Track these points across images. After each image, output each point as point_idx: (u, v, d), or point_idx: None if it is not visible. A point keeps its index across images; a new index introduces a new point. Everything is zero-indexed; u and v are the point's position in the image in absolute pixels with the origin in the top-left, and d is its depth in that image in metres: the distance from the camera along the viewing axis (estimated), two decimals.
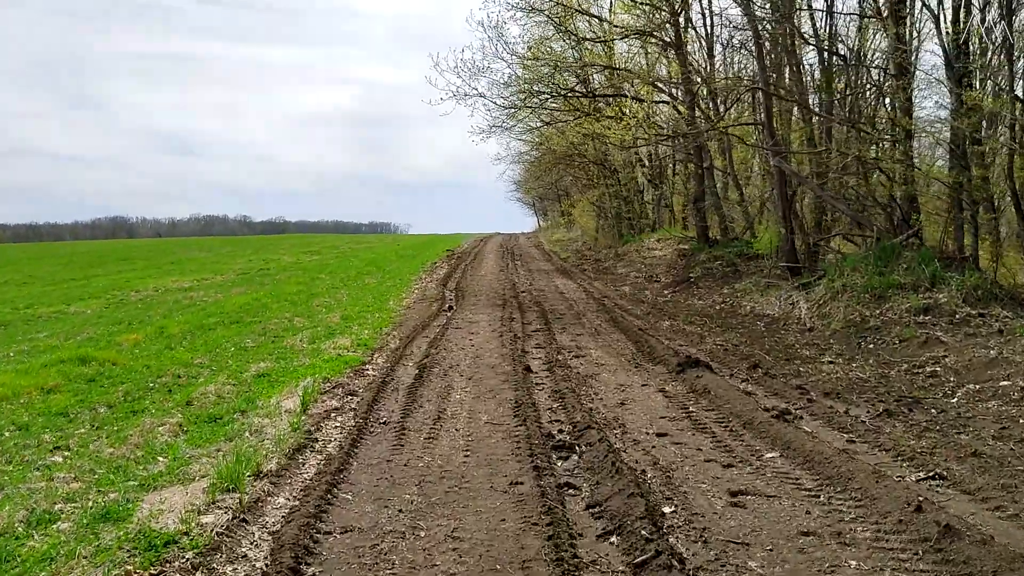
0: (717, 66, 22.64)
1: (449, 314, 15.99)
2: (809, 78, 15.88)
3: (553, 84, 21.21)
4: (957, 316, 10.83)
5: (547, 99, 23.33)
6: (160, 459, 6.07)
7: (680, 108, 21.82)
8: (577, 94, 22.00)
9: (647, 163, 31.98)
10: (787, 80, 16.10)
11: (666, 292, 19.55)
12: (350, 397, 8.15)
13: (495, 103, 22.26)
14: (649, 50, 24.57)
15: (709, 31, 22.67)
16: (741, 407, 7.60)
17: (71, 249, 57.86)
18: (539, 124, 26.65)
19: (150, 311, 17.51)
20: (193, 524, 4.75)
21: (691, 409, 7.80)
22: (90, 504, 5.15)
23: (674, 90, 21.80)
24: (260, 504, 5.21)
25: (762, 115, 16.56)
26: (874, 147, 14.39)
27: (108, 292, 23.05)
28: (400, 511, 5.15)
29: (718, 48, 22.56)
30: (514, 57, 21.41)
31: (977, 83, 13.09)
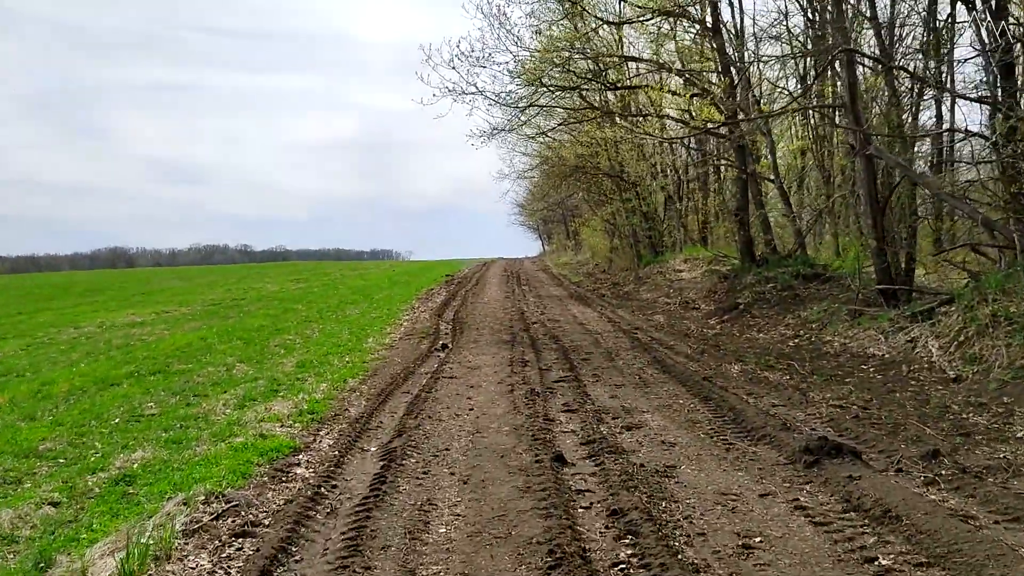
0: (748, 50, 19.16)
1: (442, 355, 12.31)
2: (917, 38, 12.25)
3: (567, 73, 17.67)
4: None
5: (557, 95, 19.80)
6: None
7: (718, 104, 18.26)
8: (597, 86, 18.42)
9: (667, 174, 28.44)
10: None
11: (712, 322, 15.84)
12: (239, 542, 4.41)
13: (498, 101, 18.72)
14: (665, 42, 21.10)
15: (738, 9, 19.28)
16: (988, 561, 3.89)
17: (44, 281, 54.26)
18: (549, 126, 23.03)
19: (66, 355, 13.88)
20: None
21: (885, 562, 4.08)
22: None
23: (713, 78, 18.26)
24: None
25: (840, 93, 12.95)
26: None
27: (43, 330, 19.41)
28: None
29: (749, 26, 19.17)
30: (519, 48, 17.92)
31: None
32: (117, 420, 7.73)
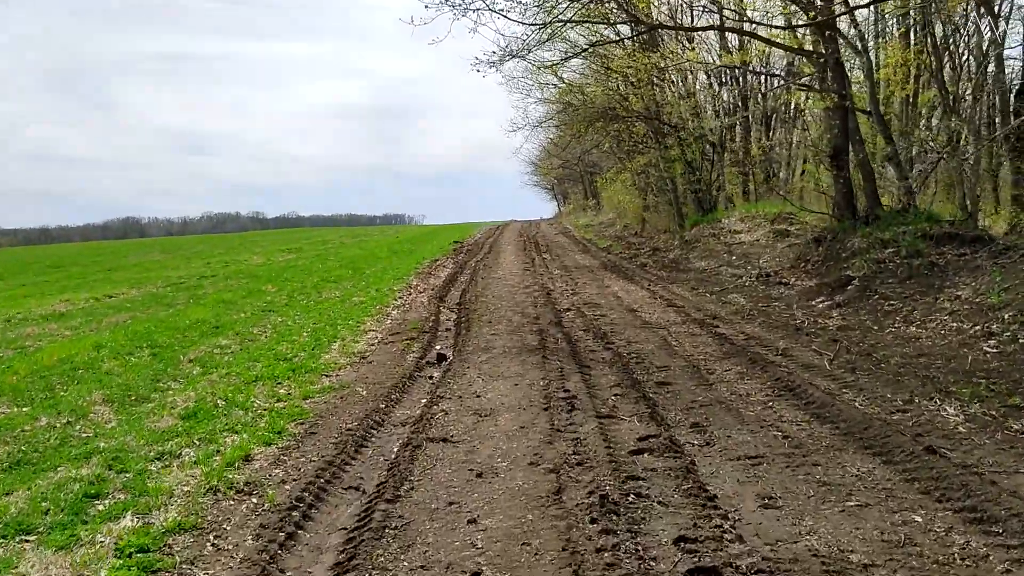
0: None
1: (437, 376, 7.89)
2: None
3: None
4: None
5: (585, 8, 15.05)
6: None
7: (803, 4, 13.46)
8: None
9: (718, 115, 23.67)
10: None
11: (820, 306, 11.27)
12: None
13: (508, 17, 13.97)
14: None
15: None
16: None
17: (17, 256, 50.10)
18: (576, 50, 18.20)
19: None
20: None
21: None
22: None
23: None
24: None
25: None
26: None
27: None
28: None
29: None
30: None
31: None
32: None
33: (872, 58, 15.82)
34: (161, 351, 9.89)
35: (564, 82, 26.30)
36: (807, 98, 18.96)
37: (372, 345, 9.86)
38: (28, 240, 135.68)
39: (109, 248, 54.17)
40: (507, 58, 15.33)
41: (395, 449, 5.50)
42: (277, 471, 5.07)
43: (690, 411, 6.25)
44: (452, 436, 5.71)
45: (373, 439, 5.77)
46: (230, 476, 4.86)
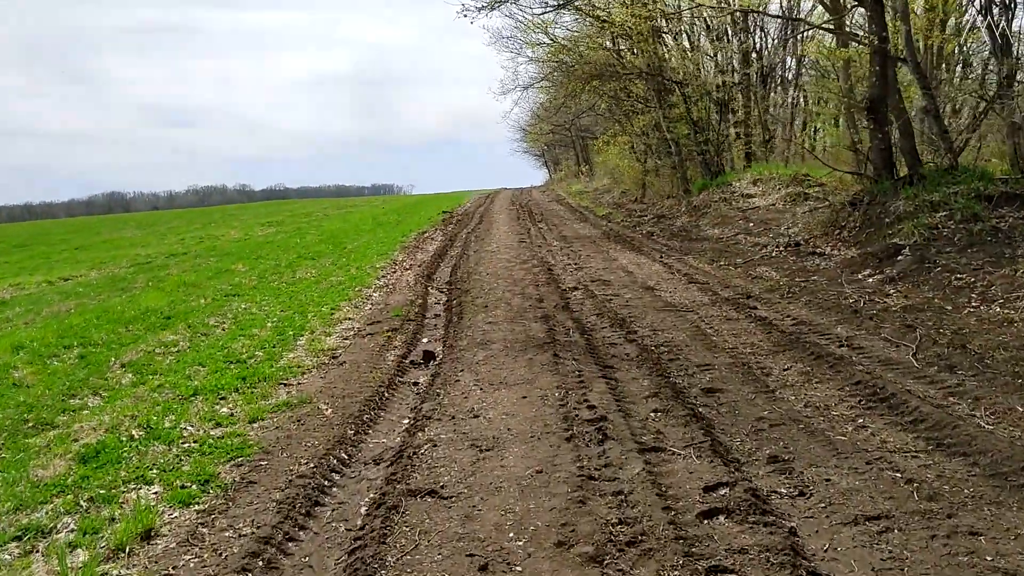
0: None
1: (423, 382, 6.30)
2: None
3: None
4: None
5: None
6: None
7: None
8: None
9: (724, 70, 21.89)
10: None
11: (871, 281, 9.68)
12: None
13: None
14: None
15: None
16: None
17: None
18: None
19: None
20: None
21: None
22: None
23: None
24: None
25: None
26: None
27: None
28: None
29: None
30: None
31: None
32: None
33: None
34: (92, 352, 8.25)
35: (556, 41, 24.52)
36: (804, 58, 17.15)
37: (346, 339, 8.24)
38: (11, 217, 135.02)
39: (82, 224, 52.18)
40: (495, 3, 13.56)
41: (363, 510, 3.90)
42: (186, 558, 3.46)
43: (759, 435, 4.68)
44: (443, 486, 4.11)
45: (333, 491, 4.17)
46: (112, 575, 3.25)
